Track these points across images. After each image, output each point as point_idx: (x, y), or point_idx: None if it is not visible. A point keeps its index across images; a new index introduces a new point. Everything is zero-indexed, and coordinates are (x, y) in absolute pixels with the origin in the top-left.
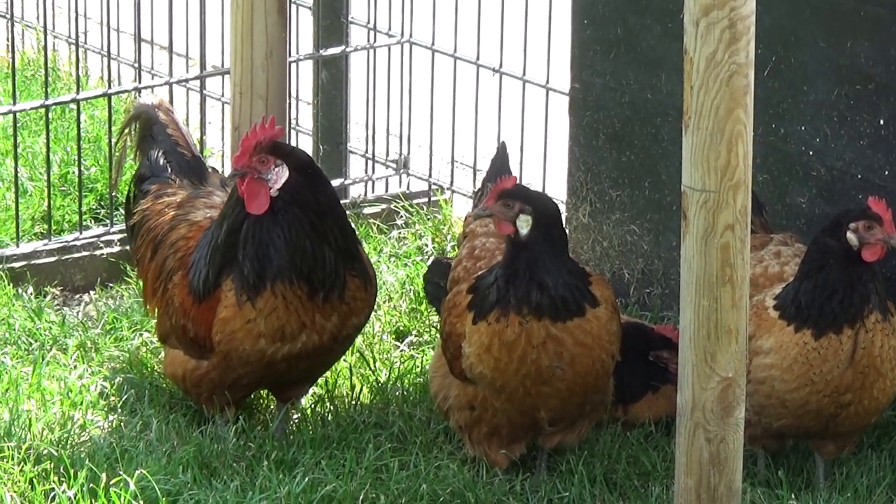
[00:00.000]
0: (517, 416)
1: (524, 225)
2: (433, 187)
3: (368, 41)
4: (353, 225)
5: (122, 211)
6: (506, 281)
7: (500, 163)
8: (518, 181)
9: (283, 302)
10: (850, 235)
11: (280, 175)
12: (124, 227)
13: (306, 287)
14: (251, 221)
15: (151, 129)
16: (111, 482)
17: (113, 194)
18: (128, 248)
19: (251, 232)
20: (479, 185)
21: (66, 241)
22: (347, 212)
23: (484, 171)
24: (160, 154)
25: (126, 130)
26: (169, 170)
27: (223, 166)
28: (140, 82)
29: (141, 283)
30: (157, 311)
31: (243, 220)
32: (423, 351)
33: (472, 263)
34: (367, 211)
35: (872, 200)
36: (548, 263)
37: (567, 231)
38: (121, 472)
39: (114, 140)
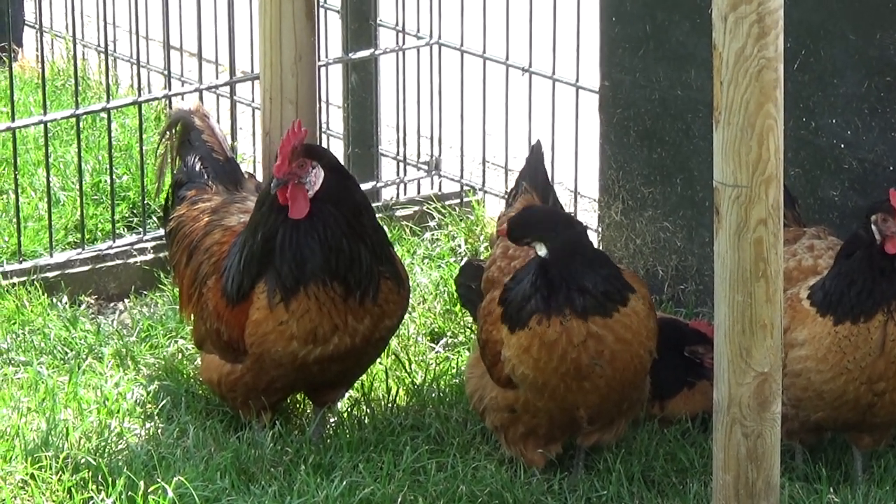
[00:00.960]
0: (558, 413)
1: (540, 248)
2: (465, 188)
3: (397, 43)
4: (383, 226)
5: (156, 218)
6: (546, 292)
7: (535, 162)
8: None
9: (315, 304)
10: (873, 227)
11: (318, 177)
12: (157, 235)
13: (341, 288)
14: (287, 227)
15: (189, 135)
16: (149, 490)
17: (145, 202)
18: (161, 255)
19: (288, 237)
20: (508, 185)
21: (99, 250)
22: (379, 215)
23: (516, 171)
24: (196, 160)
25: (165, 136)
26: (205, 175)
27: (255, 171)
28: (170, 90)
29: (177, 290)
30: (192, 316)
31: (279, 226)
32: (459, 352)
33: (506, 263)
34: (399, 213)
35: (893, 192)
36: (580, 269)
37: (599, 229)
38: (159, 480)
39: (155, 147)
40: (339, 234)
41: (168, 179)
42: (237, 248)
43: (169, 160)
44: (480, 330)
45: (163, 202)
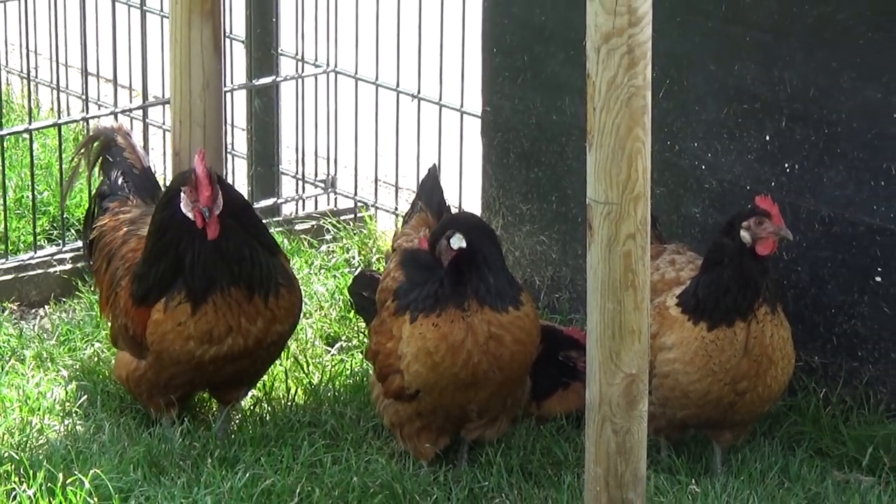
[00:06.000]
0: (452, 409)
1: (459, 240)
2: (359, 204)
3: (297, 71)
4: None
5: (74, 231)
6: (454, 282)
7: (431, 184)
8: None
9: (212, 307)
10: (743, 234)
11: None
12: (76, 247)
13: (245, 290)
14: (196, 245)
15: (110, 151)
16: (68, 481)
17: (64, 216)
18: (79, 265)
19: (197, 256)
20: (398, 202)
21: (21, 260)
22: (280, 228)
23: (406, 189)
24: (119, 174)
25: (82, 150)
26: (126, 189)
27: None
28: (87, 113)
29: (96, 296)
30: (110, 317)
31: (189, 247)
32: (353, 355)
33: (399, 273)
34: (298, 227)
35: (759, 198)
36: (490, 266)
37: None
38: (76, 472)
39: (74, 164)
40: (238, 242)
41: (77, 189)
42: (147, 253)
43: (80, 171)
44: (371, 342)
45: (77, 212)
